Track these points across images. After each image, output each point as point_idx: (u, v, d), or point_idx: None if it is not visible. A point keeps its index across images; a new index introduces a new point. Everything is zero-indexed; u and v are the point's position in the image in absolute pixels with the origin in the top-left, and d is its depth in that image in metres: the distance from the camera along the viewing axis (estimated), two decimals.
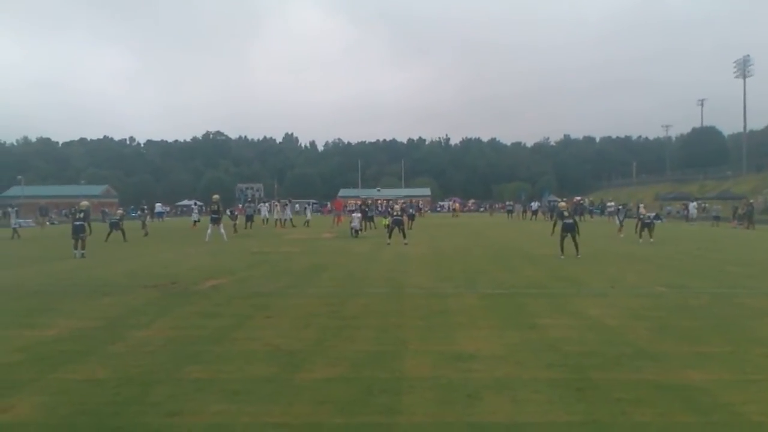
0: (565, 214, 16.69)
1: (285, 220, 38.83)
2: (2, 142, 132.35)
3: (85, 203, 21.02)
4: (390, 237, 22.33)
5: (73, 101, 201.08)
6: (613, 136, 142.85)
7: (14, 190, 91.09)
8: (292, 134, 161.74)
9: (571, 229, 16.29)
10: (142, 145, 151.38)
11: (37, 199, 65.94)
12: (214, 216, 25.08)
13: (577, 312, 8.85)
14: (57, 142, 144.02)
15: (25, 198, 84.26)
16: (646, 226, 22.91)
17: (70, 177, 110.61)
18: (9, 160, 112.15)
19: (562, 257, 15.83)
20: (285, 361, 6.17)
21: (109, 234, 26.57)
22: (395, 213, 23.01)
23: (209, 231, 24.69)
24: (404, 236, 22.11)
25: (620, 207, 34.19)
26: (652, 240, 22.37)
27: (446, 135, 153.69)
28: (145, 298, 10.50)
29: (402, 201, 32.49)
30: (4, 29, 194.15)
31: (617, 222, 29.02)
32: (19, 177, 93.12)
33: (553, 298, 10.15)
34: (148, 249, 22.44)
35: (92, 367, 6.03)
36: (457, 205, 76.40)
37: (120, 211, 33.58)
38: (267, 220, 42.27)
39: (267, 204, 49.32)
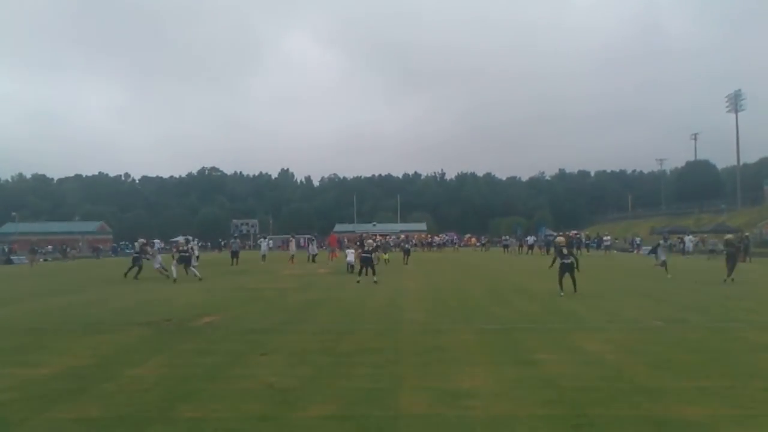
0: (564, 251, 16.39)
1: (312, 255, 38.61)
2: None
3: (141, 240, 21.52)
4: (360, 274, 21.53)
5: (68, 137, 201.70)
6: (608, 170, 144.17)
7: (8, 227, 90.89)
8: (287, 170, 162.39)
9: (570, 269, 16.07)
10: (137, 181, 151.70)
11: (30, 236, 65.74)
12: (183, 255, 24.78)
13: (574, 347, 8.80)
14: (52, 179, 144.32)
15: (20, 234, 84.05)
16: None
17: (64, 213, 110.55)
18: (4, 197, 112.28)
19: (562, 294, 15.62)
20: (279, 399, 6.09)
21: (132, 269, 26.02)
22: (366, 248, 22.30)
23: (174, 268, 24.01)
24: (373, 273, 21.46)
25: (662, 241, 25.36)
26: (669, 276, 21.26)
27: (441, 170, 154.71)
28: (139, 335, 10.40)
29: (389, 236, 32.29)
30: None
31: (657, 259, 23.02)
32: (14, 214, 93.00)
33: (550, 333, 10.10)
34: (143, 285, 22.29)
35: (85, 406, 5.95)
36: (474, 239, 75.57)
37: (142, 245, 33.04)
38: (265, 257, 41.92)
39: (266, 240, 49.11)
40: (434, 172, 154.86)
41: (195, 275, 24.09)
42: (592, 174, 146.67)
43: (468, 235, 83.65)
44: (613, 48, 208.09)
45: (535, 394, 6.18)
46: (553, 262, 16.76)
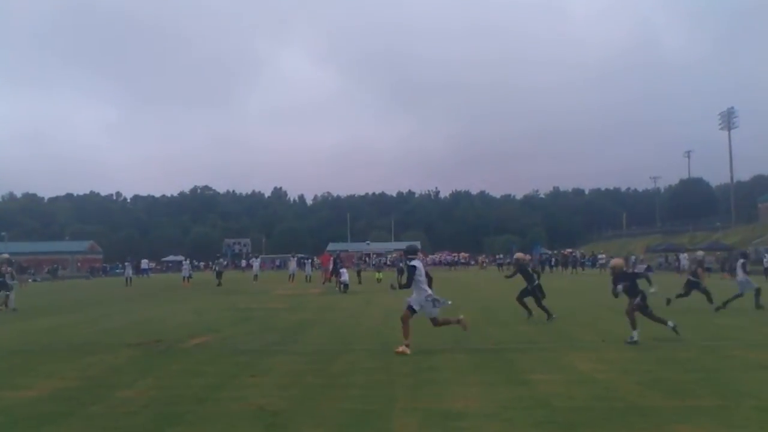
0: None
1: (308, 275, 38.73)
2: None
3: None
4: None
5: (59, 156, 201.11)
6: (603, 188, 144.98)
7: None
8: (280, 188, 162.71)
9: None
10: (128, 200, 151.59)
11: (20, 256, 65.21)
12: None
13: (567, 367, 8.77)
14: (43, 198, 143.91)
15: (9, 254, 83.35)
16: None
17: (55, 233, 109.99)
18: None
19: (555, 316, 15.11)
20: (269, 422, 6.02)
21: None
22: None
23: None
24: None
25: (742, 260, 18.09)
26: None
27: (436, 188, 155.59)
28: (129, 356, 10.30)
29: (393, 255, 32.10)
30: None
31: (739, 276, 17.34)
32: (3, 233, 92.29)
33: (543, 352, 10.08)
34: (133, 306, 22.16)
35: (72, 429, 5.88)
36: (483, 258, 74.96)
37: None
38: (257, 276, 41.91)
39: (259, 259, 49.03)
40: (428, 190, 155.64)
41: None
42: (587, 192, 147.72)
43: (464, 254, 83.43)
44: (608, 62, 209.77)
45: (527, 415, 6.14)
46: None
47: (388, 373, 8.43)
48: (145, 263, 61.84)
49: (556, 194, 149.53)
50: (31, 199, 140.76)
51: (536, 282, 15.15)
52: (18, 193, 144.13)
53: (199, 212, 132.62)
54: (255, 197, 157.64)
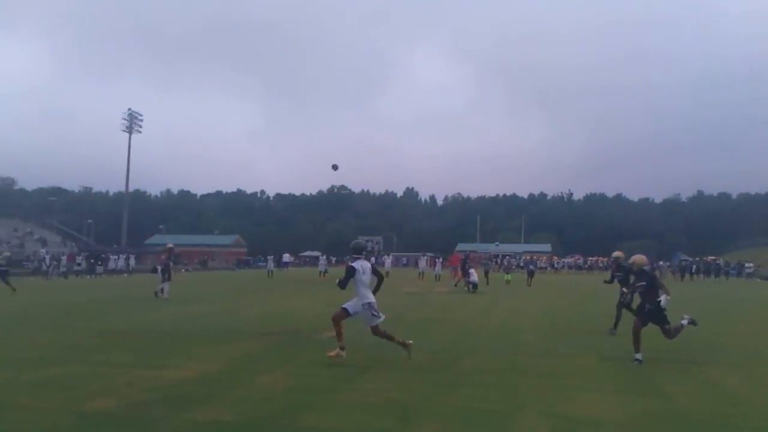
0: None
1: (437, 274, 39.00)
2: (148, 194, 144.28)
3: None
4: None
5: (211, 158, 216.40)
6: (752, 192, 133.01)
7: (156, 239, 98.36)
8: (412, 188, 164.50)
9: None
10: (271, 198, 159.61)
11: (175, 248, 70.77)
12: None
13: (709, 380, 8.25)
14: (195, 195, 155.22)
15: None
16: None
17: (205, 227, 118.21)
18: (153, 211, 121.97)
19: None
20: (398, 415, 6.19)
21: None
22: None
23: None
24: None
25: None
26: None
27: (569, 190, 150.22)
28: (268, 345, 10.96)
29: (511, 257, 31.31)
30: (145, 88, 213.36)
31: None
32: (161, 226, 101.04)
33: (680, 364, 9.52)
34: (274, 297, 23.42)
35: (218, 410, 6.34)
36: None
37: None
38: (389, 273, 42.84)
39: (390, 257, 50.20)
40: (561, 192, 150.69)
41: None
42: (734, 196, 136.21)
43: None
44: (759, 57, 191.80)
45: (664, 428, 5.87)
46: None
47: (513, 375, 8.35)
48: (286, 257, 65.11)
49: (699, 198, 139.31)
50: (185, 195, 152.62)
51: (629, 295, 12.01)
52: (174, 190, 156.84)
53: (335, 210, 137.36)
54: (388, 197, 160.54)
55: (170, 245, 23.85)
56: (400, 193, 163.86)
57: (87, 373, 8.23)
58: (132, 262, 53.50)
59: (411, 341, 9.65)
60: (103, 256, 51.86)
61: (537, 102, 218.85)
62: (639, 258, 10.35)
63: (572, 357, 9.91)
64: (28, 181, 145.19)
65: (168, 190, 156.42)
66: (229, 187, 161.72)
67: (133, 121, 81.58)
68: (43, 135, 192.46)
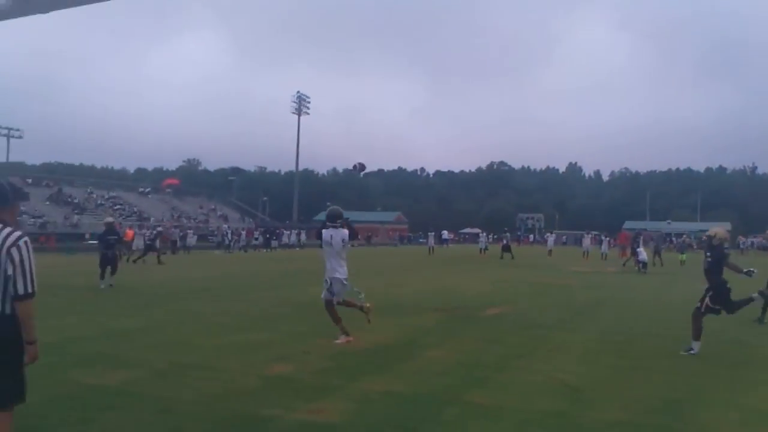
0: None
1: (604, 253, 36.80)
2: (316, 173, 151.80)
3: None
4: None
5: (373, 136, 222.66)
6: None
7: (323, 215, 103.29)
8: (575, 164, 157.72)
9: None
10: (431, 176, 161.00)
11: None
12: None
13: None
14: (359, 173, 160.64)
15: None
16: None
17: (368, 204, 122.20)
18: (320, 189, 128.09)
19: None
20: (572, 398, 6.04)
21: None
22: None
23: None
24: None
25: None
26: None
27: (753, 163, 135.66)
28: (435, 320, 11.17)
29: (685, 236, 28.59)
30: (312, 71, 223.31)
31: None
32: (328, 203, 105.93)
33: None
34: (435, 273, 23.78)
35: (390, 380, 6.58)
36: None
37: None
38: (551, 252, 41.95)
39: (553, 235, 48.90)
40: (743, 166, 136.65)
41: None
42: None
43: None
44: None
45: None
46: None
47: (697, 362, 7.80)
48: (444, 234, 65.67)
49: None
50: (349, 174, 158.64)
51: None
52: (339, 169, 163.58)
53: (495, 187, 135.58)
54: (549, 173, 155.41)
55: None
56: (562, 169, 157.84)
57: (269, 339, 8.93)
58: (303, 237, 56.80)
59: (349, 337, 8.82)
60: (277, 231, 55.51)
61: (715, 68, 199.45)
62: (721, 231, 8.95)
63: (761, 348, 9.07)
64: (211, 162, 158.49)
65: (334, 169, 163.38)
66: (390, 166, 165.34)
67: (301, 104, 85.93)
68: (223, 120, 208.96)
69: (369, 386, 6.33)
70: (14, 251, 3.42)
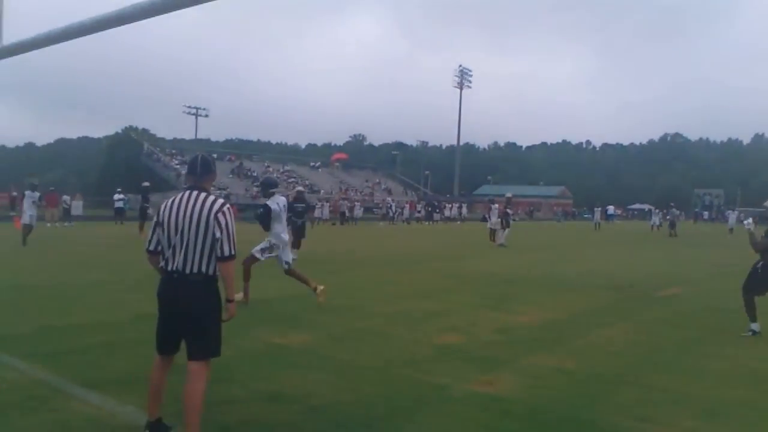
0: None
1: None
2: (477, 147, 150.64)
3: None
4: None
5: (536, 108, 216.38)
6: None
7: (484, 189, 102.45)
8: (762, 135, 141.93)
9: None
10: (597, 149, 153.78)
11: (502, 197, 73.00)
12: None
13: None
14: (521, 146, 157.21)
15: (493, 195, 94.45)
16: None
17: (531, 178, 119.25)
18: (480, 163, 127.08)
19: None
20: (764, 389, 5.54)
21: None
22: None
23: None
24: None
25: None
26: None
27: None
28: (605, 298, 10.72)
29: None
30: (475, 43, 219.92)
31: None
32: (489, 177, 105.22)
33: None
34: (602, 250, 22.79)
35: (561, 358, 6.41)
36: None
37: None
38: (732, 230, 38.45)
39: (736, 212, 44.79)
40: None
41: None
42: None
43: None
44: None
45: None
46: None
47: None
48: (610, 209, 62.65)
49: None
50: (511, 147, 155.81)
51: None
52: (501, 143, 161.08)
53: (668, 161, 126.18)
54: (731, 145, 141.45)
55: (509, 195, 24.71)
56: (746, 141, 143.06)
57: (438, 309, 9.07)
58: (464, 210, 56.92)
59: (322, 286, 8.93)
60: (438, 204, 56.12)
61: None
62: None
63: None
64: (375, 137, 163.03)
65: (495, 143, 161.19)
66: (553, 138, 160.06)
67: (463, 77, 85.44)
68: (387, 97, 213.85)
69: (539, 362, 6.22)
70: (221, 216, 3.76)
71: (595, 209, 45.77)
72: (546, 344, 7.04)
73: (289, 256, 9.04)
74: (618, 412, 4.79)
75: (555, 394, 5.21)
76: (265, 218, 8.82)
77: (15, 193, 32.01)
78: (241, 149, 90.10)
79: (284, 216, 9.08)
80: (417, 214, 50.45)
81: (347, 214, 42.63)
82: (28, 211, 17.49)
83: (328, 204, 41.77)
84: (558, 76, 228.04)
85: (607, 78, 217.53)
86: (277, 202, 8.94)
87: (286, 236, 9.07)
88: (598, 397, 5.20)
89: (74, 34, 3.87)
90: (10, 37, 4.47)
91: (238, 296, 8.52)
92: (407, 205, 52.64)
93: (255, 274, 9.01)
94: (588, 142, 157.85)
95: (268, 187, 9.27)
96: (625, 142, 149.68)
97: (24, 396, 4.68)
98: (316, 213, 30.06)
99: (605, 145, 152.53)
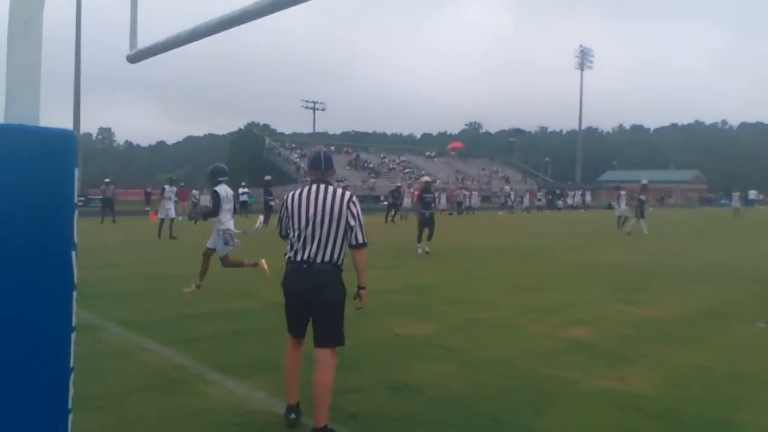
0: None
1: None
2: (600, 130, 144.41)
3: None
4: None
5: (665, 88, 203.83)
6: None
7: (608, 175, 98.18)
8: None
9: None
10: (734, 128, 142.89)
11: (630, 184, 69.49)
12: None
13: None
14: (648, 129, 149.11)
15: (619, 182, 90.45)
16: None
17: (660, 162, 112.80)
18: (604, 147, 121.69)
19: None
20: None
21: None
22: None
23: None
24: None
25: None
26: None
27: None
28: (746, 291, 9.96)
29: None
30: (597, 21, 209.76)
31: None
32: (614, 162, 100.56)
33: None
34: (744, 238, 21.17)
35: (699, 354, 6.04)
36: None
37: None
38: None
39: None
40: None
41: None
42: None
43: None
44: None
45: None
46: None
47: None
48: (752, 194, 58.19)
49: None
50: (637, 130, 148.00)
51: None
52: (626, 125, 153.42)
53: None
54: None
55: (644, 181, 23.53)
56: None
57: (562, 301, 8.81)
58: (588, 198, 54.88)
59: (262, 259, 9.29)
60: (560, 192, 54.48)
61: None
62: None
63: None
64: (491, 124, 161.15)
65: (620, 126, 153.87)
66: (685, 119, 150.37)
67: (584, 58, 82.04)
68: (503, 83, 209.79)
69: (675, 358, 5.88)
70: (353, 206, 3.91)
71: (733, 194, 42.75)
72: (682, 339, 6.65)
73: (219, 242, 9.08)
74: (765, 414, 4.46)
75: (693, 392, 4.93)
76: (216, 205, 8.93)
77: (149, 190, 34.42)
78: (357, 141, 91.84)
79: (231, 205, 9.30)
80: (537, 203, 49.25)
81: (464, 203, 42.36)
82: (166, 205, 18.75)
83: (444, 194, 41.74)
84: (689, 51, 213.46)
85: (744, 51, 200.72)
86: (225, 190, 9.13)
87: (231, 224, 9.10)
88: (741, 397, 4.85)
89: (202, 35, 4.05)
90: (144, 41, 4.74)
91: (190, 288, 9.02)
92: (527, 194, 51.50)
93: (368, 266, 9.13)
94: (724, 122, 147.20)
95: (217, 176, 9.22)
96: (767, 121, 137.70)
97: (166, 380, 5.04)
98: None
99: (743, 125, 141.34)
